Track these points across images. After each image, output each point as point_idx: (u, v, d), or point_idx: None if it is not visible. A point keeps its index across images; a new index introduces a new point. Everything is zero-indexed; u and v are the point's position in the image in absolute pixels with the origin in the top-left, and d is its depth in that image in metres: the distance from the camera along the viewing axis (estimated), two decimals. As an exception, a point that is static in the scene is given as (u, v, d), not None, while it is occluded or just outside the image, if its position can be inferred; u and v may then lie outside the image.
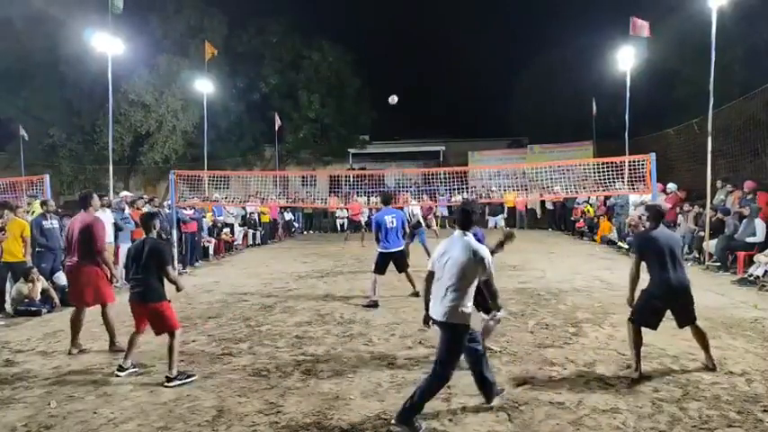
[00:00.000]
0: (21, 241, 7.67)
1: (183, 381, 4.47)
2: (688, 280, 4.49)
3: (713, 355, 4.60)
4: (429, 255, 10.05)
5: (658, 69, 20.19)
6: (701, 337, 4.61)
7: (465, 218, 3.77)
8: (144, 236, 4.90)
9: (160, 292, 4.67)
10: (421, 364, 4.82)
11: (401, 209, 9.61)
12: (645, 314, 4.46)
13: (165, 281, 4.73)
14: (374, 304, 7.35)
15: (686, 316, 4.54)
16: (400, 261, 7.89)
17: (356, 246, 15.55)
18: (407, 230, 8.38)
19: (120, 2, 11.67)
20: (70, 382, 4.61)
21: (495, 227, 16.31)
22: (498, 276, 10.28)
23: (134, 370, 4.77)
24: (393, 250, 7.75)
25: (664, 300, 4.42)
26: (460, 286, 3.55)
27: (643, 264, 4.50)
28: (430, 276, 3.78)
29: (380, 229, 7.70)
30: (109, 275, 5.66)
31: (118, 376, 4.65)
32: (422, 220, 11.23)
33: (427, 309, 3.76)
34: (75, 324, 5.54)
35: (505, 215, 19.58)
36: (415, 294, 7.66)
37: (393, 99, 12.76)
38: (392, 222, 7.71)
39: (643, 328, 4.47)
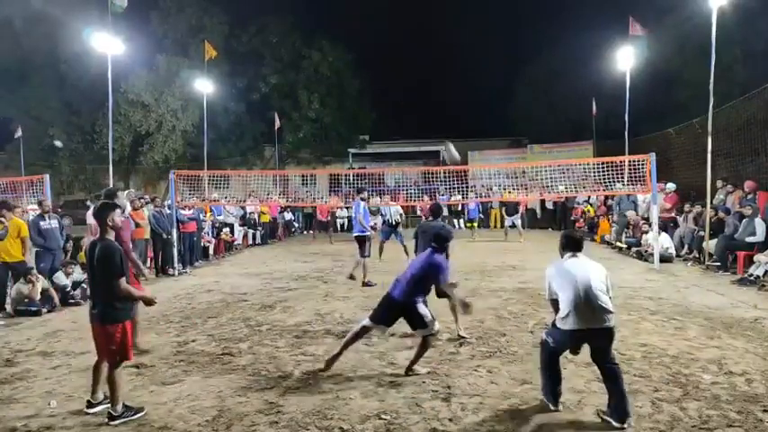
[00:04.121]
0: (19, 241, 7.66)
1: (129, 417, 3.80)
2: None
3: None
4: (407, 253, 10.79)
5: (658, 69, 20.21)
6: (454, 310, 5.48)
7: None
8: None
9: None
10: (420, 364, 4.81)
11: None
12: None
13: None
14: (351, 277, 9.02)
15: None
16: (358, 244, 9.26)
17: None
18: (361, 221, 9.45)
19: (122, 1, 11.66)
20: (70, 382, 4.61)
21: (513, 226, 16.18)
22: (499, 276, 10.26)
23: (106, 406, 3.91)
24: (354, 234, 9.34)
25: None
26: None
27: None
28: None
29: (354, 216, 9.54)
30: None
31: (87, 413, 3.94)
32: (401, 219, 12.22)
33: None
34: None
35: (522, 215, 19.00)
36: (351, 277, 9.06)
37: None
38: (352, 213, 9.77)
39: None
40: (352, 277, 9.05)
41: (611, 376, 3.64)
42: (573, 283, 3.66)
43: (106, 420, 3.76)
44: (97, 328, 3.89)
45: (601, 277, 3.73)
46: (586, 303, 3.61)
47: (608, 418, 3.55)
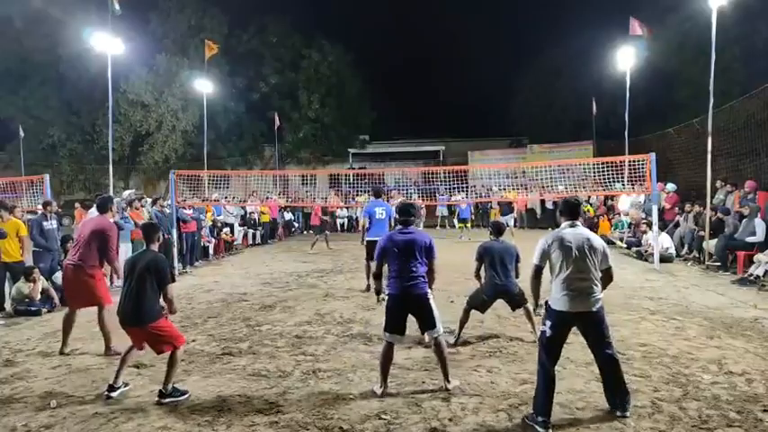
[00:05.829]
0: (17, 241, 7.65)
1: (178, 398, 4.12)
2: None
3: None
4: None
5: (658, 69, 20.20)
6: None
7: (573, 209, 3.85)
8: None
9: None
10: (420, 363, 4.82)
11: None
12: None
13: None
14: (368, 288, 8.26)
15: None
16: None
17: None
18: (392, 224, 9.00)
19: (116, 4, 11.65)
20: (70, 382, 4.61)
21: (506, 226, 16.13)
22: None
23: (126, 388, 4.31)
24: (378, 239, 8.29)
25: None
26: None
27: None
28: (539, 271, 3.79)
29: (371, 219, 8.44)
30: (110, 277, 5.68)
31: (110, 397, 4.19)
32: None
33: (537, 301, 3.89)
34: (67, 325, 5.54)
35: (515, 215, 19.08)
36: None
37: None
38: (381, 214, 8.39)
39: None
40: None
41: (610, 365, 3.69)
42: (569, 258, 3.61)
43: (156, 398, 4.08)
44: (139, 330, 4.15)
45: (597, 254, 3.65)
46: (578, 281, 3.59)
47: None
